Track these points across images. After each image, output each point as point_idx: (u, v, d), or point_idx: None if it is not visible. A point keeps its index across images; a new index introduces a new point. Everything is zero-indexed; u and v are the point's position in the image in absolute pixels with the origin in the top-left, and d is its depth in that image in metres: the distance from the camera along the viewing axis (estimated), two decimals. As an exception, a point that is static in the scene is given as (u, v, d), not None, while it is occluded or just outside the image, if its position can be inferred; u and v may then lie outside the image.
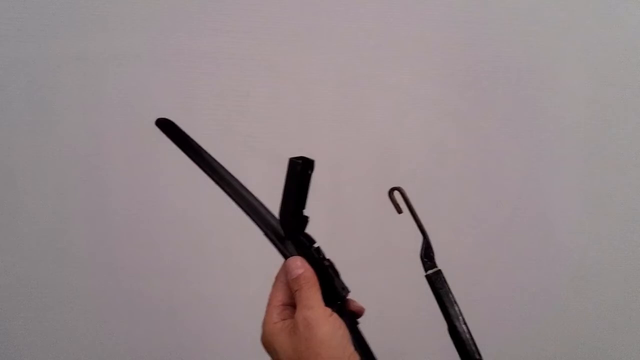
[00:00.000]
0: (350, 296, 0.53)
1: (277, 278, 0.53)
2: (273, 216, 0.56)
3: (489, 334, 1.01)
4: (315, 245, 0.53)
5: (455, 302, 0.51)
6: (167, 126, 0.59)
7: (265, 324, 0.50)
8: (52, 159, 0.92)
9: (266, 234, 0.55)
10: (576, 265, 1.03)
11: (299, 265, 0.51)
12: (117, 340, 1.00)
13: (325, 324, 0.46)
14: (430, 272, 0.52)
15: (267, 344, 0.49)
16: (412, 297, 0.98)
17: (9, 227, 0.94)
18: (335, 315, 0.48)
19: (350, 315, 0.52)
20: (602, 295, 1.04)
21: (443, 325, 0.50)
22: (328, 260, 0.53)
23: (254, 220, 0.55)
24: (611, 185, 1.00)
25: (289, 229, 0.53)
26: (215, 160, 0.59)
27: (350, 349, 0.47)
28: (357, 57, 0.93)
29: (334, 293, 0.52)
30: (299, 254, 0.52)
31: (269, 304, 0.51)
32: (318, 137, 0.95)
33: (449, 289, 0.51)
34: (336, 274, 0.53)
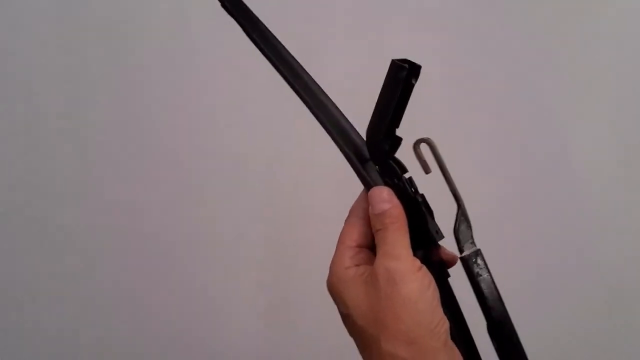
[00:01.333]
0: None
1: (351, 211, 0.42)
2: (357, 133, 0.44)
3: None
4: (407, 175, 0.41)
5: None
6: (234, 4, 0.45)
7: (334, 266, 0.41)
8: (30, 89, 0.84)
9: (346, 154, 0.43)
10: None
11: (386, 199, 0.39)
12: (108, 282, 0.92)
13: (412, 280, 0.37)
14: (466, 252, 0.40)
15: (335, 291, 0.40)
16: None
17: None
18: (424, 269, 0.38)
19: (439, 266, 0.41)
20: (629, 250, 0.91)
21: (481, 322, 0.40)
22: (422, 195, 0.41)
23: (332, 135, 0.43)
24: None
25: (377, 150, 0.41)
26: (289, 52, 0.44)
27: (440, 313, 0.37)
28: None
29: (427, 237, 0.40)
30: (386, 184, 0.41)
31: (340, 242, 0.41)
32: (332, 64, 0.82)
33: (490, 275, 0.39)
34: (430, 213, 0.41)
